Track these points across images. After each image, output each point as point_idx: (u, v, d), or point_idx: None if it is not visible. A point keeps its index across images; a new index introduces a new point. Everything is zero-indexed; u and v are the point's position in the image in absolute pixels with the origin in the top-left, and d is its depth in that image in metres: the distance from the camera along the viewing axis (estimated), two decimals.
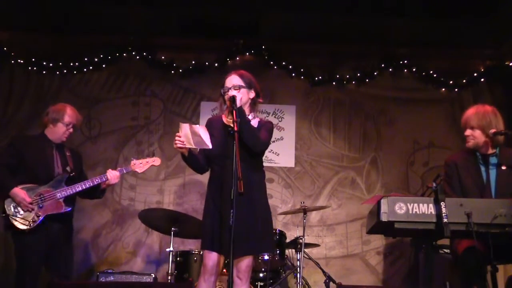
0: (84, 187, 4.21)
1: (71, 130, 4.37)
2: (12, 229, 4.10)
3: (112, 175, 4.29)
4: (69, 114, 4.34)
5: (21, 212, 4.07)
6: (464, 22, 5.56)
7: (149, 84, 6.10)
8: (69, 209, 4.20)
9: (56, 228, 4.17)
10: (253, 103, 3.50)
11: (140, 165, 4.40)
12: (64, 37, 5.94)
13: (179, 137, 3.23)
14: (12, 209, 4.08)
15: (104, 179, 4.27)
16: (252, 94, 3.48)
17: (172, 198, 5.86)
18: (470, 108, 3.71)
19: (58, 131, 4.33)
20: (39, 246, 4.10)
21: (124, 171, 4.39)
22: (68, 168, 4.30)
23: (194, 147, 3.26)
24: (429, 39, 5.89)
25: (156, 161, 4.48)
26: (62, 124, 4.32)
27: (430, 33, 5.79)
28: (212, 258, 3.30)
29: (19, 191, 4.07)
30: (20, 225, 4.06)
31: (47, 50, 5.99)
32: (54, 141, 4.35)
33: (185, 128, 3.24)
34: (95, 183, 4.24)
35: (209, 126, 3.52)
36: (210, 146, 3.26)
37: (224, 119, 3.48)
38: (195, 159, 3.41)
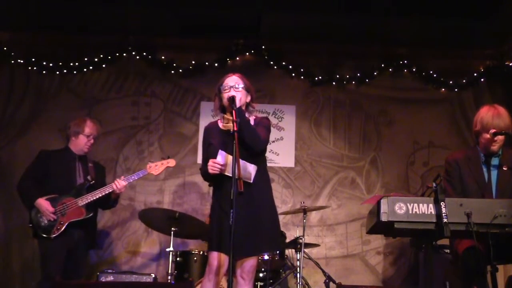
0: (103, 194, 4.43)
1: (92, 141, 4.69)
2: (38, 237, 4.38)
3: (117, 185, 4.43)
4: (89, 125, 4.67)
5: (46, 221, 4.34)
6: (464, 22, 5.55)
7: (149, 84, 6.10)
8: (90, 215, 4.45)
9: (76, 234, 4.44)
10: (248, 106, 3.54)
11: (156, 167, 4.55)
12: (64, 37, 5.94)
13: (219, 164, 3.28)
14: (38, 219, 4.35)
15: (109, 190, 4.45)
16: (248, 98, 3.52)
17: (172, 198, 5.86)
18: (494, 110, 3.55)
19: (79, 143, 4.63)
20: (60, 252, 4.35)
21: (141, 175, 4.56)
22: (89, 177, 4.56)
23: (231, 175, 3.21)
24: (429, 39, 5.89)
25: (171, 162, 4.64)
26: (83, 135, 4.63)
27: (430, 33, 5.79)
28: (217, 258, 3.30)
29: (43, 202, 4.34)
30: (45, 233, 4.32)
31: (47, 50, 5.99)
32: (77, 153, 4.65)
33: (224, 156, 3.31)
34: (107, 191, 4.44)
35: (207, 134, 3.55)
36: (252, 179, 3.33)
37: (220, 124, 3.51)
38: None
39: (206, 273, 3.35)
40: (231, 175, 3.18)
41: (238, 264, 3.32)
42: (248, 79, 3.56)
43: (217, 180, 3.43)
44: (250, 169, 3.34)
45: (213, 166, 3.31)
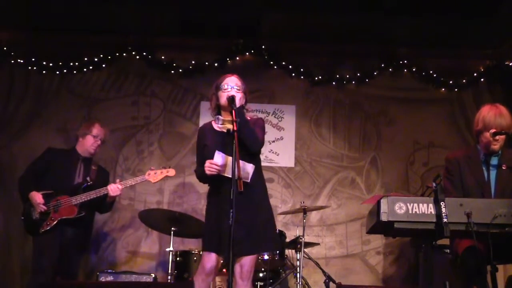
0: (98, 195, 4.44)
1: (98, 142, 4.72)
2: (30, 231, 4.45)
3: (112, 187, 4.47)
4: (97, 127, 4.74)
5: (37, 215, 4.38)
6: (464, 22, 5.55)
7: (149, 84, 6.09)
8: (82, 214, 4.45)
9: (70, 232, 4.46)
10: (243, 108, 3.53)
11: (155, 175, 4.54)
12: (64, 37, 5.93)
13: (217, 165, 3.29)
14: (30, 212, 4.40)
15: (104, 192, 4.46)
16: (244, 100, 3.51)
17: (172, 198, 5.86)
18: (496, 109, 3.54)
19: (86, 143, 4.69)
20: (53, 248, 4.37)
21: (139, 181, 4.57)
22: (88, 178, 4.57)
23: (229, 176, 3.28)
24: (429, 39, 5.89)
25: (171, 172, 4.61)
26: (91, 136, 4.69)
27: (430, 33, 5.78)
28: (211, 259, 3.32)
29: (35, 194, 4.39)
30: (35, 227, 4.37)
31: (47, 50, 5.98)
32: (82, 155, 4.69)
33: (222, 157, 3.31)
34: (101, 193, 4.46)
35: (201, 136, 3.56)
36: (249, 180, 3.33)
37: (215, 125, 3.51)
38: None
39: (198, 272, 3.36)
40: (228, 176, 3.23)
41: (237, 264, 3.33)
42: (245, 81, 3.57)
43: (214, 181, 3.43)
44: (248, 169, 3.34)
45: (211, 167, 3.31)
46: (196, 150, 3.63)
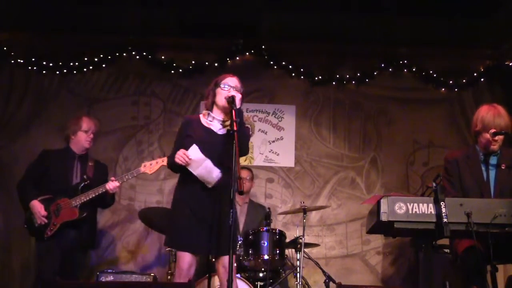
0: (97, 193, 4.37)
1: (91, 135, 4.62)
2: (35, 237, 4.43)
3: (110, 186, 4.38)
4: (85, 121, 4.63)
5: (39, 222, 4.34)
6: (464, 22, 5.56)
7: (149, 84, 6.09)
8: (84, 215, 4.39)
9: (72, 235, 4.41)
10: None
11: (150, 166, 4.38)
12: (64, 37, 5.93)
13: (188, 157, 3.27)
14: (32, 220, 4.37)
15: (102, 190, 4.38)
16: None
17: (171, 198, 5.84)
18: (494, 109, 3.56)
19: (79, 140, 4.59)
20: (53, 253, 4.34)
21: (135, 174, 4.42)
22: (84, 177, 4.50)
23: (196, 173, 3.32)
24: (429, 39, 5.89)
25: (166, 160, 4.47)
26: (82, 131, 4.59)
27: (430, 33, 5.78)
28: (187, 259, 3.33)
29: (36, 204, 4.35)
30: (38, 234, 4.35)
31: (47, 50, 5.98)
32: (77, 152, 4.61)
33: (195, 151, 3.30)
34: (99, 192, 4.39)
35: (187, 126, 3.52)
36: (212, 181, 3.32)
37: (203, 120, 3.49)
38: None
39: (176, 275, 3.36)
40: (193, 172, 3.29)
41: (219, 264, 3.37)
42: (245, 81, 3.57)
43: (185, 174, 3.40)
44: (214, 174, 3.34)
45: (182, 156, 3.29)
46: (176, 137, 3.59)
